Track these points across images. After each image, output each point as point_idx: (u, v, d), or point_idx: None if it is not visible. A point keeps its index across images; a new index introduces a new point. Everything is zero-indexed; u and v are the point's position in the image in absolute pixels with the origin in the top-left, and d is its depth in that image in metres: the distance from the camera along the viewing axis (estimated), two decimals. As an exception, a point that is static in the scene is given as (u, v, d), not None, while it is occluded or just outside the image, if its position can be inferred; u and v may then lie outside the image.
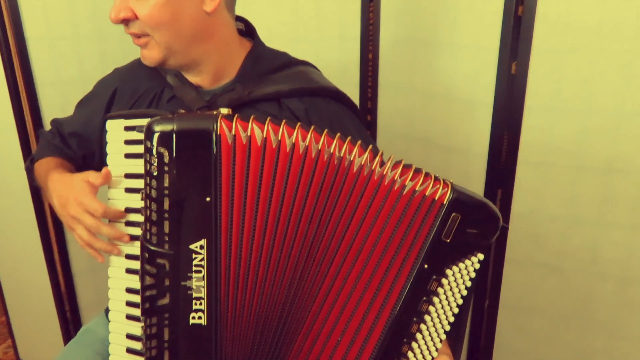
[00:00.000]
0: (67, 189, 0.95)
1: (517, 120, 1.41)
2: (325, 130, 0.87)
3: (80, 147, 1.15)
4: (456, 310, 0.90)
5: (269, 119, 0.85)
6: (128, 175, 0.93)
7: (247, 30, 1.11)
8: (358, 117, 1.11)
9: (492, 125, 1.44)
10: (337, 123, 1.04)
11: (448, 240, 0.87)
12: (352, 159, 0.86)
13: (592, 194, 1.39)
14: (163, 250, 0.86)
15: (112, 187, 0.94)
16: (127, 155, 0.93)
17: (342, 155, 0.86)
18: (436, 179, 0.87)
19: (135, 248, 0.92)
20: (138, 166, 0.89)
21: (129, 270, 0.93)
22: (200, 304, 0.88)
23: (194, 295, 0.87)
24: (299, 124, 0.86)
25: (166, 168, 0.84)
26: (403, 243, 0.87)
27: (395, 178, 0.86)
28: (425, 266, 0.88)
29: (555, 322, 1.55)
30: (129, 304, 0.94)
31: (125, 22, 0.96)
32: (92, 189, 0.92)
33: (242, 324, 0.91)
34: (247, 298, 0.90)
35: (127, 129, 0.93)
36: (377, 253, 0.88)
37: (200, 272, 0.87)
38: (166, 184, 0.84)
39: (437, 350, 0.92)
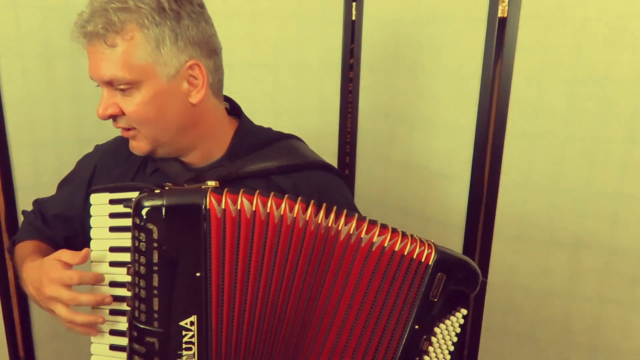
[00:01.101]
0: (39, 272, 0.92)
1: (492, 196, 1.46)
2: (312, 201, 0.88)
3: (63, 229, 1.12)
4: None
5: (257, 191, 0.86)
6: (113, 249, 0.91)
7: (232, 109, 1.10)
8: (346, 185, 1.12)
9: (469, 200, 1.49)
10: (324, 193, 1.04)
11: (435, 300, 0.89)
12: (339, 228, 0.87)
13: (562, 267, 1.44)
14: (152, 328, 0.84)
15: (96, 260, 0.92)
16: (112, 229, 0.91)
17: (329, 225, 0.87)
18: (421, 241, 0.89)
19: (119, 323, 0.90)
20: (123, 240, 0.88)
21: (113, 347, 0.91)
22: (191, 382, 0.86)
23: (184, 373, 0.86)
24: (286, 195, 0.87)
25: (155, 244, 0.83)
26: (396, 307, 0.89)
27: (385, 245, 0.87)
28: (417, 327, 0.89)
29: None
30: None
31: (113, 117, 0.96)
32: (65, 266, 0.89)
33: None
34: (238, 375, 0.88)
35: (113, 202, 0.92)
36: (372, 320, 0.89)
37: (190, 349, 0.85)
38: (155, 260, 0.83)
39: None
